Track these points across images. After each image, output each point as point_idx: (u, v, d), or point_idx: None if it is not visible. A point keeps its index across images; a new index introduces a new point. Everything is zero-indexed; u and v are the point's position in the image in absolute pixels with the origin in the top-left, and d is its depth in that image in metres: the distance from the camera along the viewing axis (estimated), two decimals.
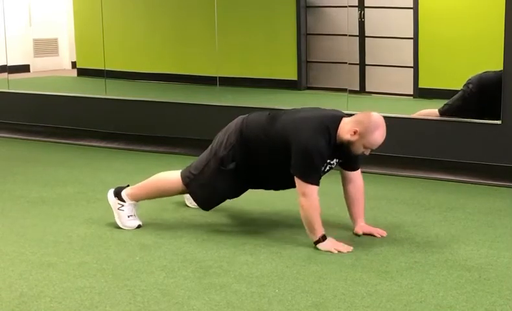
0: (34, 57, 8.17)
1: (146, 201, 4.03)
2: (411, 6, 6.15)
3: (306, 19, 6.99)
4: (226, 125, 3.94)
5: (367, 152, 3.64)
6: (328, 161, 3.65)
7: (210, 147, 3.91)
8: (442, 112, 5.41)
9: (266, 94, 6.90)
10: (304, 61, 6.98)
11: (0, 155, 6.21)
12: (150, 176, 4.03)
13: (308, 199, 3.58)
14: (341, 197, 3.89)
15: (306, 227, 3.63)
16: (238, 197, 4.01)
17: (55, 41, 8.24)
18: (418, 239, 3.79)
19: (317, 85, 7.02)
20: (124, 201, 3.94)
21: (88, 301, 2.98)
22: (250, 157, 3.76)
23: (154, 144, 6.27)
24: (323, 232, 3.60)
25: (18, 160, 5.95)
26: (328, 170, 3.72)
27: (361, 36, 6.53)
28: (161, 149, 6.18)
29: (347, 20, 6.33)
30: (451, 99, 5.43)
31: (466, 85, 5.37)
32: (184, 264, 3.42)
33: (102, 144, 6.46)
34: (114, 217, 3.96)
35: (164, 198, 4.19)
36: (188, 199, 4.35)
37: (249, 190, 3.98)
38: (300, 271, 3.32)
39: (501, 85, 4.92)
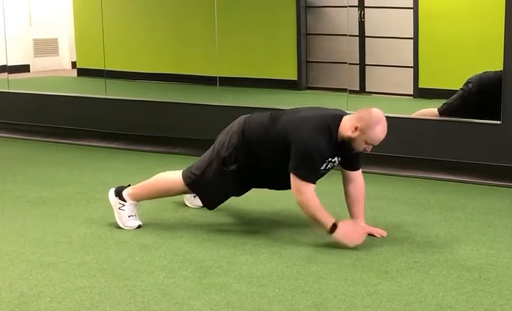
0: (34, 57, 8.17)
1: (146, 201, 4.03)
2: (411, 6, 6.16)
3: (306, 19, 7.00)
4: (226, 125, 3.94)
5: (369, 149, 3.63)
6: (330, 159, 3.65)
7: (212, 147, 3.91)
8: (441, 111, 5.41)
9: (266, 94, 6.90)
10: (304, 61, 6.98)
11: (0, 155, 6.21)
12: (150, 176, 4.03)
13: (303, 195, 3.58)
14: (341, 197, 3.89)
15: (313, 223, 3.62)
16: (239, 197, 4.02)
17: (55, 41, 8.24)
18: (418, 239, 3.79)
19: (317, 85, 7.02)
20: (125, 200, 3.94)
21: (88, 301, 2.99)
22: (252, 157, 3.76)
23: (154, 144, 6.27)
24: (333, 220, 3.57)
25: (18, 160, 5.95)
26: (329, 169, 3.71)
27: (361, 36, 6.53)
28: (161, 149, 6.18)
29: (347, 20, 6.33)
30: (450, 98, 5.43)
31: (466, 84, 5.37)
32: (184, 264, 3.42)
33: (102, 144, 6.46)
34: (114, 217, 3.96)
35: (164, 198, 4.19)
36: (187, 199, 4.35)
37: (250, 190, 3.99)
38: (300, 271, 3.32)
39: (501, 85, 4.92)
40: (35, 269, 3.34)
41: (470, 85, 5.36)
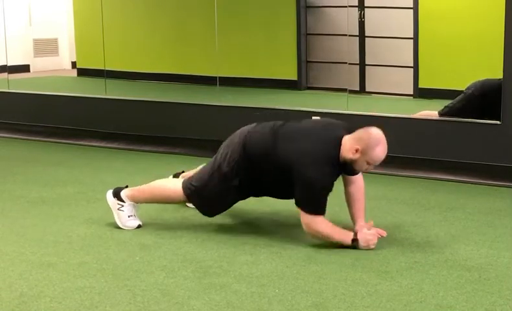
0: (34, 57, 8.17)
1: None
2: (411, 6, 6.15)
3: (306, 19, 6.99)
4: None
5: (371, 168, 3.64)
6: (334, 181, 3.67)
7: (213, 159, 3.88)
8: (442, 114, 5.40)
9: (266, 94, 6.90)
10: (304, 61, 6.98)
11: (0, 155, 6.21)
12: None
13: (314, 228, 3.60)
14: (341, 197, 3.88)
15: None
16: None
17: (55, 41, 8.24)
18: (419, 239, 3.79)
19: (317, 85, 7.02)
20: (123, 201, 3.94)
21: (88, 301, 2.99)
22: (253, 171, 3.74)
23: (154, 144, 6.27)
24: (351, 236, 3.60)
25: (18, 160, 5.95)
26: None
27: (361, 36, 6.53)
28: (161, 149, 6.18)
29: (347, 20, 6.33)
30: (451, 101, 5.42)
31: (468, 88, 5.36)
32: (184, 264, 3.42)
33: (102, 144, 6.46)
34: (114, 217, 3.95)
35: None
36: None
37: None
38: (300, 271, 3.32)
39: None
40: (35, 269, 3.34)
41: (472, 89, 5.35)
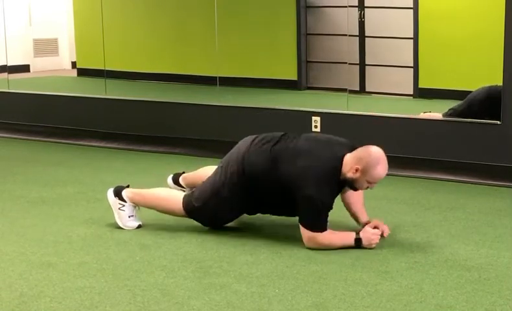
0: (34, 57, 8.16)
1: None
2: (411, 6, 6.15)
3: (306, 19, 6.99)
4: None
5: (372, 186, 3.64)
6: (335, 198, 3.70)
7: (213, 179, 3.85)
8: (446, 116, 5.40)
9: (266, 94, 6.90)
10: (304, 61, 6.97)
11: (0, 155, 6.21)
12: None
13: (316, 243, 3.60)
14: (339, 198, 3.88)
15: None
16: None
17: (55, 41, 8.24)
18: (419, 239, 3.79)
19: (317, 85, 7.01)
20: (124, 201, 3.94)
21: (88, 301, 2.99)
22: (254, 191, 3.74)
23: (154, 144, 6.27)
24: (354, 236, 3.61)
25: (18, 160, 5.95)
26: None
27: (361, 36, 6.52)
28: (161, 149, 6.18)
29: (347, 20, 6.32)
30: (456, 105, 5.41)
31: (473, 92, 5.36)
32: (184, 264, 3.42)
33: (102, 144, 6.46)
34: (114, 217, 3.95)
35: None
36: None
37: None
38: (300, 271, 3.32)
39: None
40: (35, 269, 3.34)
41: (477, 94, 5.35)
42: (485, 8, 5.68)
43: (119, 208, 3.94)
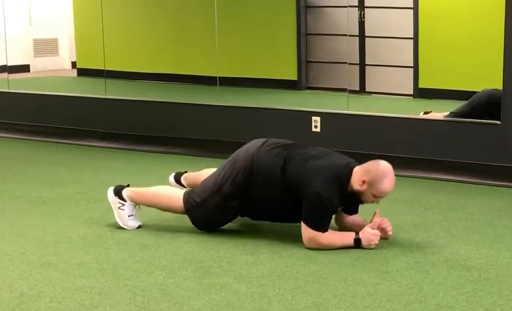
0: (34, 57, 8.16)
1: None
2: (411, 6, 6.15)
3: (306, 19, 6.99)
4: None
5: (378, 201, 3.65)
6: (339, 209, 3.71)
7: (216, 175, 3.86)
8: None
9: (266, 94, 6.90)
10: (304, 61, 6.97)
11: (0, 155, 6.21)
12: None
13: (316, 243, 3.60)
14: None
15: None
16: None
17: (55, 41, 8.24)
18: (419, 239, 3.79)
19: (317, 85, 7.01)
20: (124, 200, 3.93)
21: (88, 301, 2.99)
22: (258, 192, 3.74)
23: (154, 144, 6.28)
24: (353, 236, 3.61)
25: (18, 160, 5.95)
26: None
27: (361, 36, 6.52)
28: (161, 149, 6.18)
29: (347, 20, 6.32)
30: (458, 107, 5.41)
31: (475, 95, 5.36)
32: (184, 264, 3.42)
33: (102, 144, 6.46)
34: (114, 216, 3.95)
35: None
36: None
37: None
38: (300, 271, 3.32)
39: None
40: (35, 269, 3.34)
41: (479, 97, 5.35)
42: (485, 8, 5.68)
43: (119, 208, 3.93)
